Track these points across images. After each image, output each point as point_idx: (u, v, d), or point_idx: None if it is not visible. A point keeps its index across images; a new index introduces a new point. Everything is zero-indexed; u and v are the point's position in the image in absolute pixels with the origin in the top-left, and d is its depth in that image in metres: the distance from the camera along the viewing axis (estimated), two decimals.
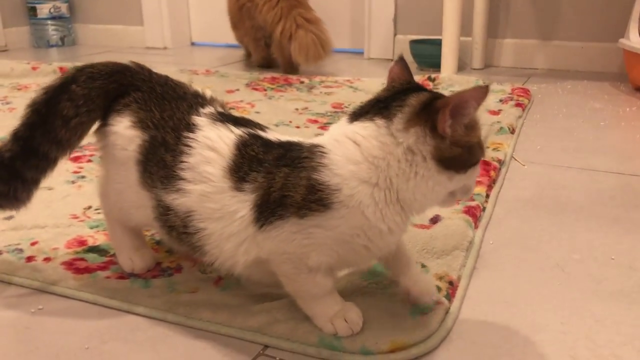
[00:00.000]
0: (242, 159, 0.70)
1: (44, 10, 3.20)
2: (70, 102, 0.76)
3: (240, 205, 0.68)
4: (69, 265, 0.88)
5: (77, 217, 1.05)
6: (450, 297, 0.79)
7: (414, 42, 2.52)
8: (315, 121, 1.68)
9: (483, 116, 1.66)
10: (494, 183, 1.19)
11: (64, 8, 3.27)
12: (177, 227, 0.74)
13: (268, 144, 0.71)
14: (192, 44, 3.30)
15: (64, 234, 0.98)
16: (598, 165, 1.33)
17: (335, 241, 0.67)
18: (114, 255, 0.91)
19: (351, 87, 2.13)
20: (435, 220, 1.00)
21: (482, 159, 0.70)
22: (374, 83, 2.15)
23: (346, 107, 1.85)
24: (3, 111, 1.84)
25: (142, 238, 0.89)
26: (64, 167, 1.21)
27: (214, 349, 0.72)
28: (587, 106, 1.86)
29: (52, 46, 3.25)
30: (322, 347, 0.70)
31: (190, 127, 0.74)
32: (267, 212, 0.66)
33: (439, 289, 0.80)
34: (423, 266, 0.86)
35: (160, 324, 0.76)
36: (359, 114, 0.69)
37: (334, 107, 1.84)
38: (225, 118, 0.76)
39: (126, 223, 0.85)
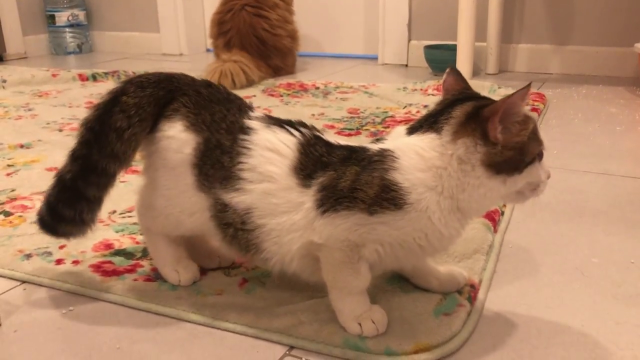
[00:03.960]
0: (307, 159, 0.73)
1: (62, 18, 3.25)
2: (123, 113, 0.77)
3: (307, 198, 0.71)
4: (97, 268, 0.91)
5: (102, 221, 1.07)
6: (472, 299, 0.81)
7: (428, 48, 2.53)
8: (332, 126, 1.70)
9: None
10: None
11: (81, 16, 3.32)
12: (234, 224, 0.75)
13: (330, 145, 0.75)
14: (208, 50, 3.33)
15: (91, 238, 0.99)
16: (615, 169, 1.34)
17: (395, 239, 0.69)
18: (140, 258, 0.93)
19: (366, 92, 2.14)
20: None
21: (542, 151, 0.71)
22: (389, 88, 2.17)
23: (362, 112, 1.86)
24: (26, 117, 1.88)
25: (185, 250, 0.89)
26: None
27: (241, 349, 0.73)
28: (603, 111, 1.87)
29: (69, 53, 3.30)
30: (346, 348, 0.72)
31: (245, 130, 0.76)
32: (332, 200, 0.69)
33: (460, 292, 0.81)
34: None
35: (188, 325, 0.78)
36: (414, 129, 0.72)
37: (350, 113, 1.86)
38: (278, 121, 0.78)
39: (172, 232, 0.85)
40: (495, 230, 1.02)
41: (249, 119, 0.78)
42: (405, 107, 1.92)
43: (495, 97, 2.05)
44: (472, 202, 0.69)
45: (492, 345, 0.73)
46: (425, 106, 1.91)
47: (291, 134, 0.75)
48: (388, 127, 1.68)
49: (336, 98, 2.07)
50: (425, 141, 0.69)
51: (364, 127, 1.68)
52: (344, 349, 0.72)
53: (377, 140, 0.75)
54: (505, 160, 0.67)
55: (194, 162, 0.77)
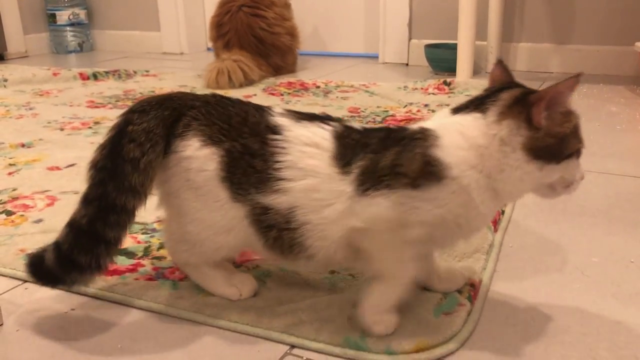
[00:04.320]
0: (345, 147, 0.72)
1: (63, 17, 3.26)
2: (133, 142, 0.73)
3: (348, 184, 0.71)
4: None
5: None
6: (472, 299, 0.81)
7: (429, 47, 2.53)
8: None
9: None
10: None
11: (82, 15, 3.33)
12: (277, 225, 0.73)
13: (363, 131, 0.75)
14: (209, 49, 3.33)
15: None
16: (615, 169, 1.34)
17: (437, 218, 0.69)
18: (141, 257, 0.94)
19: (367, 91, 2.15)
20: None
21: (581, 149, 0.72)
22: (390, 87, 2.17)
23: (362, 111, 1.87)
24: (27, 117, 1.88)
25: (230, 265, 0.88)
26: None
27: (242, 349, 0.74)
28: (604, 110, 1.87)
29: (70, 52, 3.30)
30: (347, 347, 0.72)
31: (275, 129, 0.74)
32: (373, 179, 0.69)
33: (460, 292, 0.82)
34: None
35: (189, 324, 0.78)
36: (458, 109, 0.73)
37: (350, 112, 1.86)
38: (306, 116, 0.77)
39: (212, 258, 0.81)
40: (496, 230, 1.02)
41: (273, 116, 0.76)
42: (406, 106, 1.92)
43: None
44: (507, 184, 0.70)
45: (492, 344, 0.74)
46: (426, 105, 1.92)
47: (322, 126, 0.75)
48: (388, 126, 1.68)
49: (337, 97, 2.08)
50: (468, 120, 0.71)
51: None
52: (344, 349, 0.72)
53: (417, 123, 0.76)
54: (546, 147, 0.68)
55: (222, 176, 0.74)
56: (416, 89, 2.15)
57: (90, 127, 1.74)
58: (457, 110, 0.73)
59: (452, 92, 2.08)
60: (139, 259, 0.94)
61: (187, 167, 0.75)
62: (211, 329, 0.77)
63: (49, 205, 1.16)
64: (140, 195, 0.74)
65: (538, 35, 2.48)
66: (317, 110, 1.88)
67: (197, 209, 0.76)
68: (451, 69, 2.26)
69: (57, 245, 0.75)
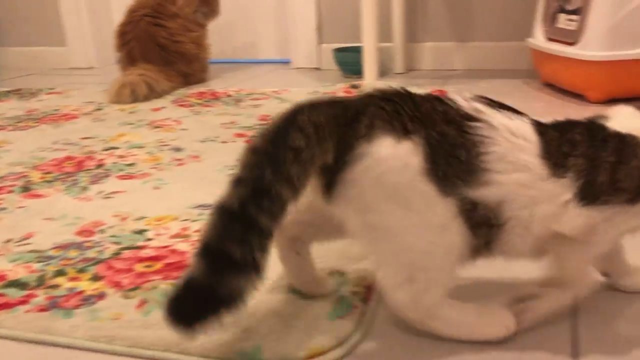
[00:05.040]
0: (549, 145, 0.70)
1: None
2: (300, 132, 0.66)
3: (560, 189, 0.69)
4: None
5: None
6: (366, 300, 0.83)
7: (337, 50, 2.58)
8: (242, 135, 1.70)
9: None
10: None
11: None
12: (488, 221, 0.69)
13: (554, 126, 0.73)
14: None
15: None
16: None
17: (631, 230, 0.74)
18: (34, 288, 0.91)
19: (278, 98, 2.16)
20: None
21: None
22: (301, 93, 2.19)
23: (273, 119, 1.87)
24: None
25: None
26: None
27: None
28: None
29: None
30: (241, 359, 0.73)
31: (472, 116, 0.69)
32: (591, 194, 0.69)
33: (354, 294, 0.84)
34: (341, 274, 0.90)
35: (83, 353, 0.77)
36: None
37: (261, 120, 1.87)
38: (496, 103, 0.73)
39: (449, 284, 0.72)
40: None
41: (466, 102, 0.70)
42: None
43: None
44: None
45: (387, 344, 0.76)
46: None
47: (521, 117, 0.72)
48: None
49: (248, 105, 2.08)
50: None
51: None
52: None
53: (598, 117, 0.76)
54: None
55: (427, 168, 0.66)
56: (326, 93, 2.19)
57: None
58: None
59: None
60: (32, 289, 0.91)
61: (385, 170, 0.66)
62: (106, 356, 0.76)
63: None
64: (295, 189, 0.66)
65: (441, 34, 2.57)
66: (226, 120, 1.88)
67: (406, 216, 0.68)
68: (360, 72, 2.32)
69: (204, 246, 0.65)
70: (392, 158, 0.66)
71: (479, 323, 0.74)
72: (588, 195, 0.69)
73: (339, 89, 2.19)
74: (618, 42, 1.79)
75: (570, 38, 1.90)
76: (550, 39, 2.02)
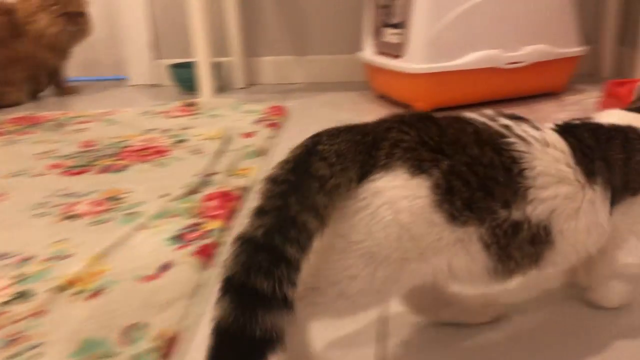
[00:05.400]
0: (574, 150, 0.70)
1: None
2: (324, 161, 0.63)
3: (596, 197, 0.70)
4: None
5: None
6: (167, 356, 0.76)
7: (173, 66, 2.47)
8: (58, 165, 1.54)
9: (236, 140, 1.68)
10: (233, 214, 1.19)
11: None
12: (537, 239, 0.68)
13: (567, 128, 0.74)
14: None
15: None
16: None
17: None
18: None
19: (107, 120, 2.00)
20: (166, 267, 0.97)
21: None
22: (131, 114, 2.05)
23: (97, 144, 1.73)
24: None
25: None
26: None
27: None
28: (337, 117, 1.98)
29: None
30: None
31: (504, 133, 0.67)
32: (614, 198, 0.73)
33: (153, 350, 0.76)
34: (140, 327, 0.81)
35: None
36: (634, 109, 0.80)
37: (83, 147, 1.71)
38: (514, 116, 0.72)
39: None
40: (212, 265, 0.99)
41: (491, 120, 0.69)
42: (146, 132, 1.83)
43: (240, 114, 2.04)
44: None
45: None
46: (166, 130, 1.84)
47: (544, 126, 0.72)
48: (122, 159, 1.58)
49: (72, 130, 1.90)
50: None
51: (95, 163, 1.56)
52: None
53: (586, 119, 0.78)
54: None
55: (442, 200, 0.63)
56: (160, 113, 2.07)
57: None
58: (634, 109, 0.80)
59: (198, 113, 2.04)
60: None
61: (392, 203, 0.63)
62: None
63: None
64: (321, 219, 0.62)
65: (280, 48, 2.56)
66: (41, 149, 1.70)
67: (400, 247, 0.64)
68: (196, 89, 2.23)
69: (226, 282, 0.59)
70: (402, 193, 0.63)
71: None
72: (614, 199, 0.73)
73: (173, 107, 2.09)
74: (438, 54, 1.88)
75: (396, 51, 1.97)
76: (379, 53, 2.08)
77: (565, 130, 0.73)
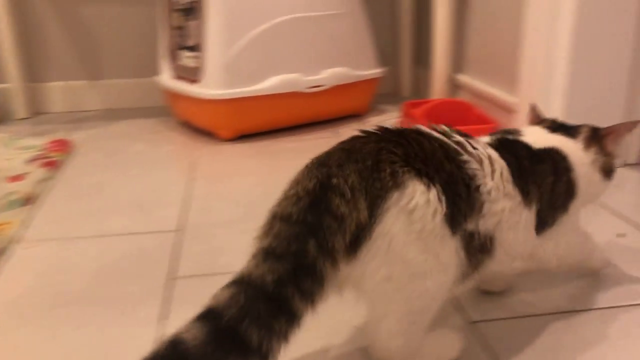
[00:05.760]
0: (514, 171, 0.74)
1: None
2: (341, 197, 0.61)
3: (532, 215, 0.76)
4: None
5: None
6: None
7: None
8: None
9: (1, 186, 1.42)
10: None
11: None
12: (484, 248, 0.72)
13: (500, 144, 0.77)
14: None
15: None
16: (114, 227, 1.23)
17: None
18: None
19: None
20: None
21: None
22: None
23: None
24: None
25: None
26: None
27: None
28: (131, 150, 1.79)
29: None
30: None
31: (459, 150, 0.70)
32: (547, 220, 0.79)
33: None
34: None
35: None
36: (554, 129, 0.87)
37: None
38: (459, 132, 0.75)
39: (431, 317, 0.72)
40: None
41: (445, 135, 0.71)
42: None
43: (12, 151, 1.75)
44: (590, 198, 0.88)
45: None
46: None
47: (483, 141, 0.77)
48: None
49: None
50: (570, 144, 0.85)
51: None
52: None
53: (507, 132, 0.85)
54: (611, 168, 0.88)
55: (445, 212, 0.66)
56: None
57: None
58: (552, 129, 0.87)
59: None
60: None
61: (417, 218, 0.63)
62: None
63: None
64: (336, 261, 0.60)
65: (70, 72, 2.28)
66: None
67: (427, 261, 0.65)
68: None
69: (211, 314, 0.56)
70: (425, 205, 0.64)
71: (439, 349, 0.75)
72: (549, 218, 0.80)
73: None
74: (236, 79, 1.77)
75: (193, 75, 1.83)
76: (176, 77, 1.93)
77: (502, 145, 0.77)
